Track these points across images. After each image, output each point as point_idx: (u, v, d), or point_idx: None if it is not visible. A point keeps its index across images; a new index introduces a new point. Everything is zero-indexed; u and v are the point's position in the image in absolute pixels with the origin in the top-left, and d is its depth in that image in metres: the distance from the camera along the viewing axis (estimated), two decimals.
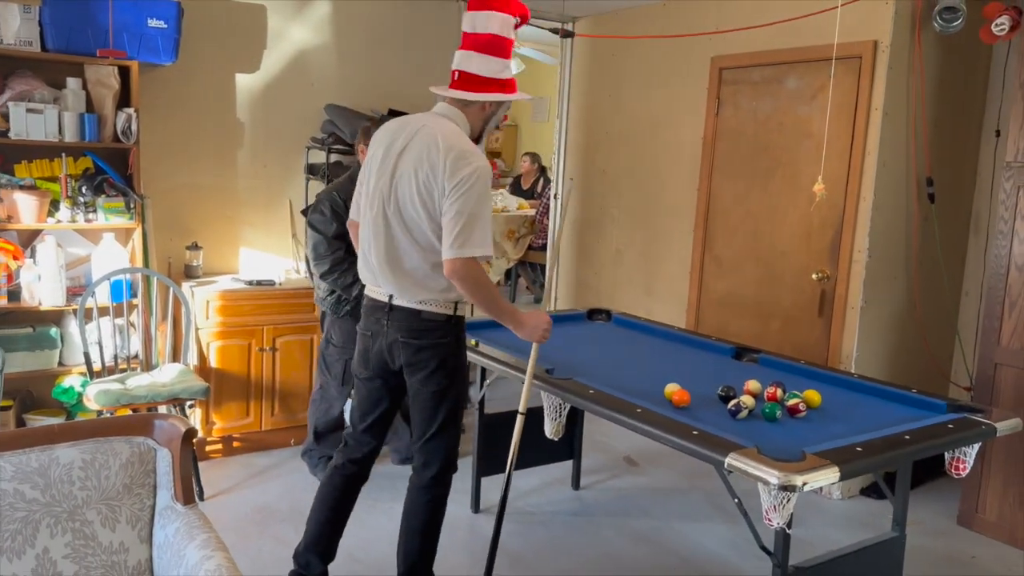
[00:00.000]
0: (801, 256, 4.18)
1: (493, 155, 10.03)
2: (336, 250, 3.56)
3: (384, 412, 2.82)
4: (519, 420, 2.80)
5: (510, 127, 10.25)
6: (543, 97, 9.57)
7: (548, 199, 6.50)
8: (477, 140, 2.67)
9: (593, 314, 3.98)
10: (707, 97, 4.65)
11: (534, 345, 2.74)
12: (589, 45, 5.57)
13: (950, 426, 2.43)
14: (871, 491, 4.04)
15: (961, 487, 3.82)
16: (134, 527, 2.20)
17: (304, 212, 4.54)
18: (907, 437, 2.30)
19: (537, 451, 3.91)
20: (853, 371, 3.72)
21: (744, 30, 4.30)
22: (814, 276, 4.09)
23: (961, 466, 2.49)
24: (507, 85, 2.59)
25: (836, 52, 3.59)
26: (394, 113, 4.78)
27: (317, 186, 4.54)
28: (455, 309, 2.62)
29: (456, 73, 2.57)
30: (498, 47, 2.53)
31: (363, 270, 2.73)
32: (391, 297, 2.63)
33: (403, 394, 2.78)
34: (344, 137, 4.38)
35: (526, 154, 8.41)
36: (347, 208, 3.50)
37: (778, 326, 4.30)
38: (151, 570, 2.20)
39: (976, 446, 2.47)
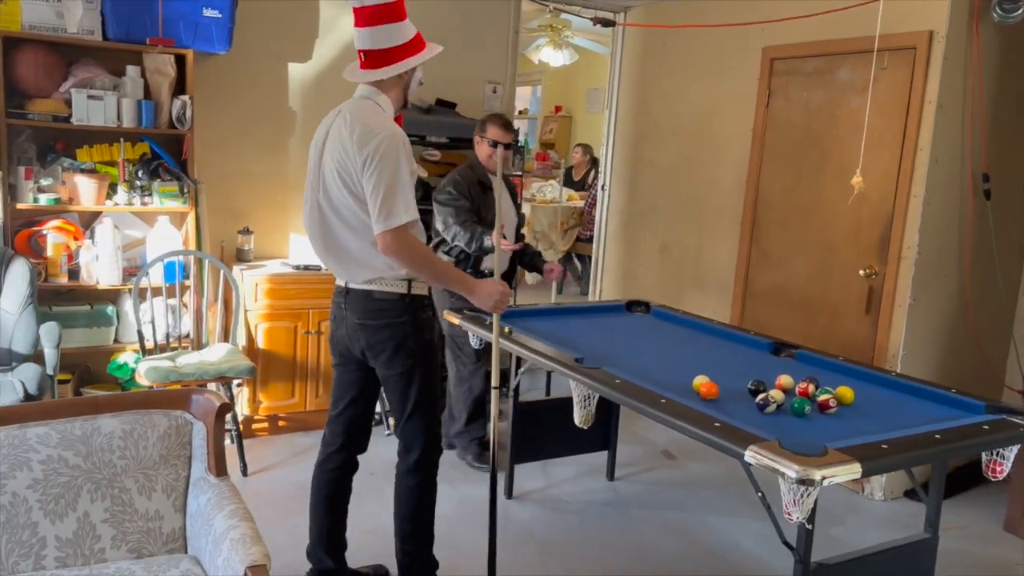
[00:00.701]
0: (850, 251, 4.09)
1: (546, 146, 10.03)
2: (465, 220, 3.77)
3: (354, 399, 2.79)
4: (493, 394, 2.85)
5: (564, 118, 10.24)
6: (598, 88, 9.53)
7: (596, 190, 6.48)
8: (405, 105, 2.67)
9: (632, 306, 3.97)
10: (757, 88, 4.58)
11: (494, 316, 2.75)
12: (640, 36, 5.53)
13: (985, 427, 2.36)
14: (915, 493, 3.95)
15: (1008, 492, 3.70)
16: (169, 496, 2.30)
17: None
18: (938, 436, 2.24)
19: (572, 441, 3.94)
20: (899, 371, 3.63)
21: (796, 20, 4.22)
22: (862, 272, 4.00)
23: (998, 468, 2.41)
24: (411, 46, 2.53)
25: (889, 43, 3.50)
26: (441, 103, 4.84)
27: None
28: (409, 287, 2.58)
29: (361, 53, 2.54)
30: (388, 13, 2.47)
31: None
32: (347, 281, 2.65)
33: (375, 382, 2.76)
34: None
35: (578, 145, 8.40)
36: (470, 192, 3.84)
37: (824, 322, 4.22)
38: (184, 538, 2.30)
39: (1015, 448, 2.39)
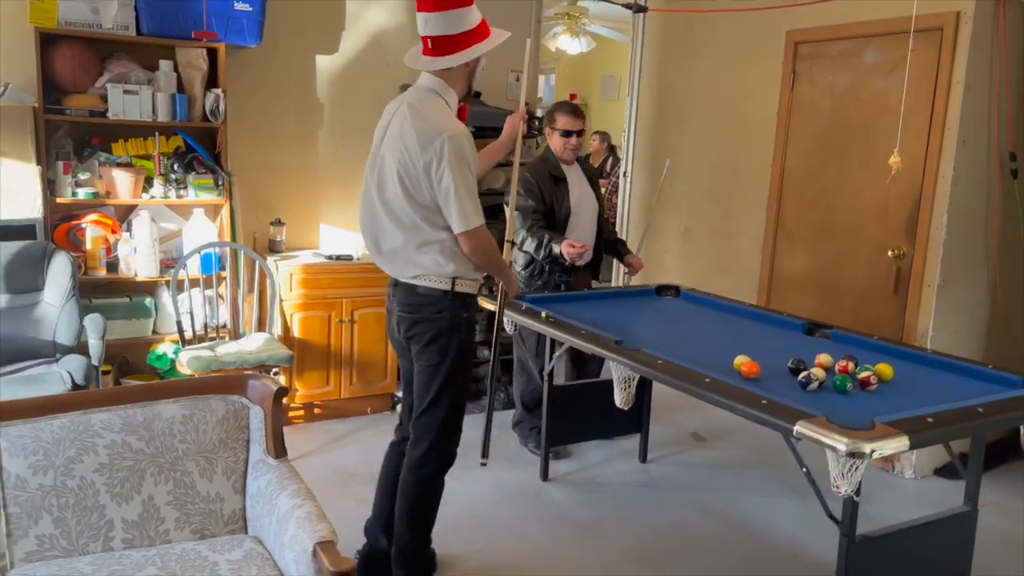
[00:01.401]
0: (876, 233, 4.12)
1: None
2: (532, 225, 3.77)
3: None
4: (492, 359, 2.91)
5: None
6: (613, 75, 9.54)
7: (617, 178, 6.51)
8: (469, 93, 2.67)
9: (661, 290, 4.02)
10: (782, 72, 4.60)
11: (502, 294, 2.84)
12: (661, 21, 5.55)
13: None
14: (944, 471, 3.99)
15: None
16: (229, 478, 2.37)
17: None
18: (980, 410, 2.29)
19: (606, 423, 4.00)
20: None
21: (820, 3, 4.24)
22: (890, 253, 4.03)
23: None
24: (477, 32, 2.48)
25: (916, 24, 3.52)
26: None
27: None
28: (453, 285, 2.56)
29: (427, 40, 2.47)
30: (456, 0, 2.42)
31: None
32: (395, 275, 2.68)
33: None
34: None
35: (595, 133, 8.41)
36: (540, 187, 3.80)
37: (851, 304, 4.26)
38: (244, 518, 2.37)
39: None
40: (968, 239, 3.91)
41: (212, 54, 4.04)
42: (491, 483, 3.72)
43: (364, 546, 2.94)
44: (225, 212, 4.14)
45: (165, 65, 3.99)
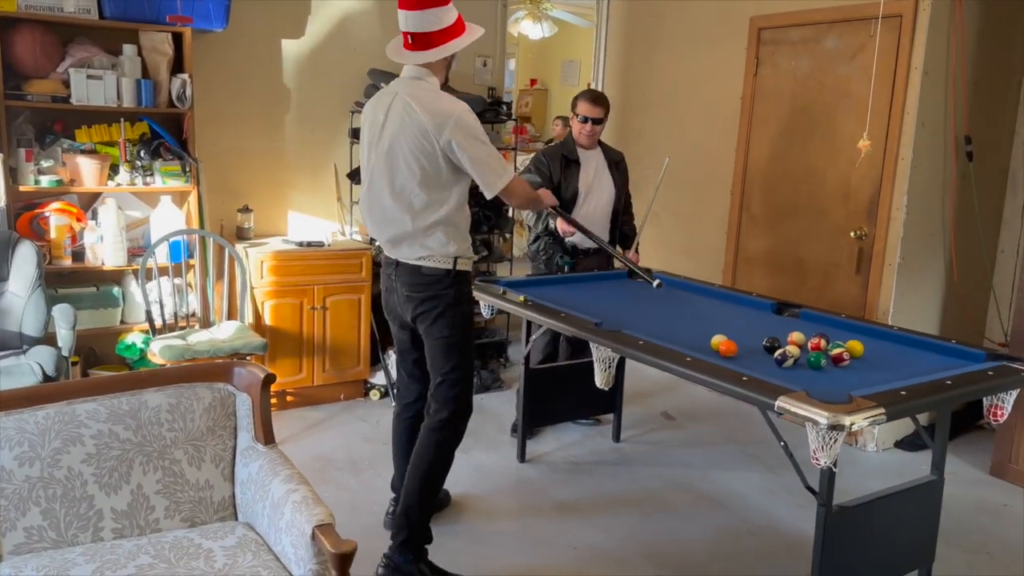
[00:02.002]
0: (839, 214, 4.25)
1: (523, 119, 10.07)
2: None
3: (418, 358, 2.99)
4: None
5: (540, 91, 10.28)
6: (573, 60, 9.58)
7: None
8: (446, 83, 2.83)
9: (633, 274, 4.07)
10: (746, 57, 4.69)
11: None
12: (626, 7, 5.60)
13: (990, 373, 2.52)
14: (904, 443, 4.15)
15: (994, 438, 3.91)
16: (217, 466, 2.36)
17: (349, 176, 4.68)
18: (949, 382, 2.39)
19: (582, 404, 4.07)
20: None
21: None
22: (852, 234, 4.15)
23: (999, 412, 2.57)
24: (453, 29, 2.68)
25: (876, 11, 3.62)
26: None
27: None
28: (455, 264, 2.77)
29: (407, 36, 2.67)
30: None
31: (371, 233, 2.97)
32: (397, 256, 2.83)
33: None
34: None
35: (558, 118, 8.45)
36: (550, 166, 3.93)
37: (815, 284, 4.38)
38: (234, 505, 2.37)
39: (1014, 393, 2.55)
40: (926, 220, 4.05)
41: (178, 39, 3.98)
42: (470, 466, 3.76)
43: (392, 499, 3.19)
44: (192, 199, 4.09)
45: (129, 50, 3.92)
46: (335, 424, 4.20)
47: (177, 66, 4.02)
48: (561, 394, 3.98)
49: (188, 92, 3.96)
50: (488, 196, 2.75)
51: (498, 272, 5.27)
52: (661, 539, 3.22)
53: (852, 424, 2.07)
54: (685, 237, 5.24)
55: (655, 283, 3.20)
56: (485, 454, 3.91)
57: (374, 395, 4.54)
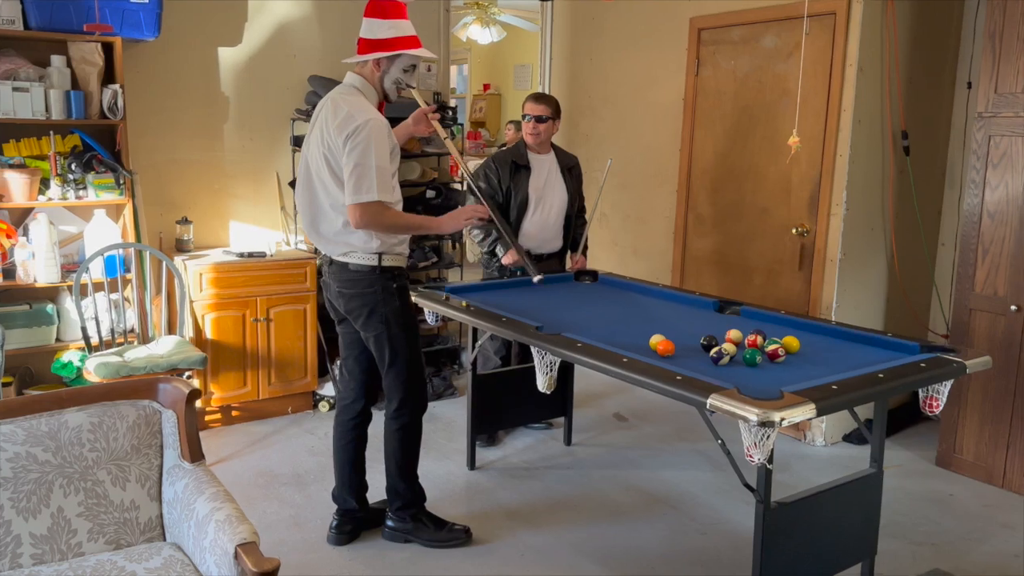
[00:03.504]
0: (781, 212, 4.28)
1: (477, 124, 10.05)
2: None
3: (358, 355, 3.09)
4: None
5: (493, 96, 10.27)
6: (525, 64, 9.59)
7: None
8: (386, 98, 2.94)
9: (580, 275, 4.07)
10: (687, 58, 4.71)
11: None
12: (569, 10, 5.60)
13: (922, 365, 2.54)
14: (852, 437, 4.18)
15: (940, 429, 3.96)
16: (143, 485, 2.29)
17: (292, 184, 4.61)
18: (881, 375, 2.40)
19: (532, 409, 4.04)
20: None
21: None
22: (794, 231, 4.19)
23: (935, 404, 2.59)
24: (393, 43, 2.82)
25: (810, 9, 3.65)
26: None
27: None
28: (379, 260, 2.86)
29: (360, 42, 2.86)
30: (378, 9, 2.82)
31: None
32: (329, 253, 2.96)
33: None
34: None
35: (511, 122, 8.44)
36: (498, 173, 3.94)
37: (760, 281, 4.41)
38: (162, 526, 2.30)
39: (948, 384, 2.57)
40: (866, 215, 4.10)
41: (108, 49, 3.88)
42: (419, 474, 3.70)
43: (335, 512, 3.18)
44: (128, 212, 3.99)
45: (57, 61, 3.81)
46: (282, 438, 4.12)
47: (108, 77, 3.92)
48: (511, 399, 3.95)
49: (120, 103, 3.86)
50: (347, 203, 2.75)
51: (450, 278, 5.24)
52: (610, 541, 3.20)
53: (782, 420, 2.07)
54: (635, 238, 5.25)
55: (536, 278, 3.23)
56: (436, 462, 3.87)
57: (323, 407, 4.47)
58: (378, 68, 2.85)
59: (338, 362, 4.46)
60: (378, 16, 2.83)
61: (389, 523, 3.15)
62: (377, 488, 3.28)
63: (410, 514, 3.13)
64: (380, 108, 2.92)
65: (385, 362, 2.98)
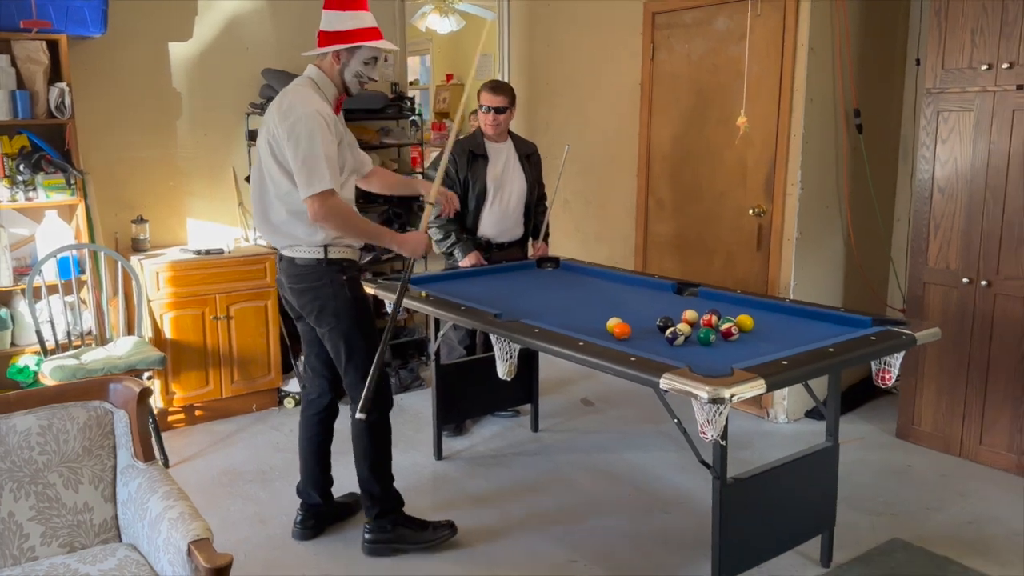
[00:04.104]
0: (738, 193, 4.31)
1: (441, 115, 9.99)
2: (440, 213, 3.65)
3: (320, 351, 3.03)
4: (389, 322, 2.88)
5: (456, 86, 10.20)
6: (487, 54, 9.54)
7: None
8: (347, 91, 2.87)
9: (542, 262, 4.07)
10: (642, 42, 4.72)
11: (411, 261, 2.96)
12: None
13: (873, 338, 2.58)
14: (815, 413, 4.24)
15: (898, 402, 4.03)
16: (97, 487, 2.27)
17: (248, 179, 4.56)
18: (831, 350, 2.44)
19: (498, 397, 4.05)
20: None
21: None
22: (751, 212, 4.22)
23: (887, 376, 2.64)
24: (352, 35, 2.76)
25: None
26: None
27: None
28: (325, 252, 2.81)
29: (319, 34, 2.81)
30: (337, 1, 2.76)
31: None
32: (279, 248, 2.93)
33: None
34: None
35: (473, 112, 8.41)
36: (456, 163, 3.87)
37: (720, 263, 4.45)
38: (117, 527, 2.28)
39: (900, 356, 2.61)
40: (821, 194, 4.14)
41: (53, 47, 3.81)
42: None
43: (300, 507, 3.14)
44: (80, 212, 3.92)
45: (1, 60, 3.73)
46: (246, 436, 4.09)
47: (55, 75, 3.85)
48: (476, 388, 3.95)
49: (68, 101, 3.79)
50: (302, 197, 2.69)
51: (415, 269, 5.22)
52: (575, 524, 3.22)
53: (732, 396, 2.09)
54: (597, 223, 5.27)
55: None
56: (403, 454, 3.86)
57: (288, 403, 4.44)
58: (337, 61, 2.79)
59: (301, 359, 4.45)
60: (337, 8, 2.77)
61: (368, 537, 3.00)
62: (342, 483, 3.27)
63: (390, 521, 3.00)
64: (339, 101, 2.87)
65: (342, 358, 2.90)
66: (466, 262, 3.89)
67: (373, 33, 2.79)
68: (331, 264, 2.83)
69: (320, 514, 3.15)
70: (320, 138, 2.65)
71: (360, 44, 2.77)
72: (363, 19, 2.78)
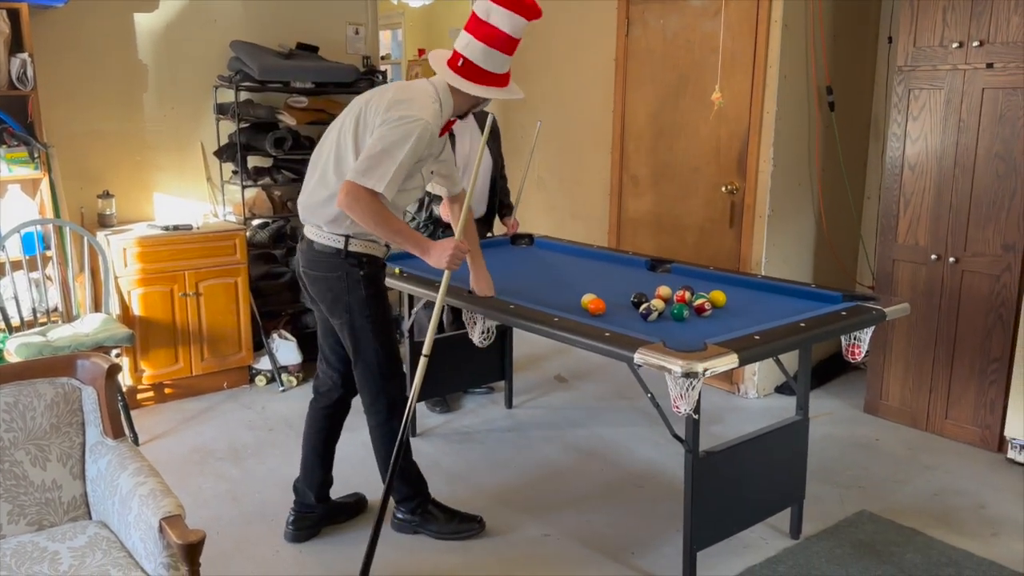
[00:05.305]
0: (711, 170, 4.32)
1: None
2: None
3: (333, 344, 2.89)
4: (422, 362, 2.61)
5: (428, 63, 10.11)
6: (459, 28, 9.44)
7: None
8: (462, 116, 2.75)
9: (516, 239, 4.06)
10: (617, 18, 4.70)
11: (446, 273, 2.63)
12: None
13: (843, 313, 2.61)
14: (785, 388, 4.29)
15: (867, 378, 4.09)
16: (65, 464, 2.23)
17: (216, 154, 4.49)
18: (802, 325, 2.46)
19: (472, 374, 4.05)
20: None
21: None
22: (724, 189, 4.24)
23: (857, 351, 2.67)
24: (502, 79, 2.62)
25: None
26: (303, 47, 4.71)
27: (228, 127, 4.47)
28: (346, 244, 2.64)
29: (460, 59, 2.56)
30: (507, 45, 2.55)
31: None
32: (304, 226, 2.79)
33: None
34: (252, 74, 4.29)
35: None
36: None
37: (693, 239, 4.47)
38: (87, 504, 2.25)
39: (869, 331, 2.65)
40: (793, 171, 4.17)
41: (15, 15, 3.70)
42: (359, 443, 3.68)
43: (293, 504, 3.00)
44: (45, 187, 3.84)
45: None
46: (217, 414, 4.05)
47: (17, 45, 3.74)
48: (450, 365, 3.94)
49: (30, 72, 3.69)
50: (346, 177, 2.49)
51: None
52: (548, 499, 3.24)
53: (705, 370, 2.11)
54: (572, 201, 5.26)
55: None
56: None
57: (260, 381, 4.41)
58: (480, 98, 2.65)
59: (275, 339, 4.41)
60: (507, 52, 2.56)
61: (398, 514, 2.99)
62: (341, 484, 3.18)
63: (412, 507, 2.96)
64: (450, 124, 2.71)
65: (352, 352, 2.77)
66: (442, 208, 3.75)
67: (507, 78, 2.65)
68: (349, 256, 2.66)
69: (312, 516, 2.98)
70: (409, 147, 2.47)
71: (499, 92, 2.62)
72: (508, 64, 2.61)
